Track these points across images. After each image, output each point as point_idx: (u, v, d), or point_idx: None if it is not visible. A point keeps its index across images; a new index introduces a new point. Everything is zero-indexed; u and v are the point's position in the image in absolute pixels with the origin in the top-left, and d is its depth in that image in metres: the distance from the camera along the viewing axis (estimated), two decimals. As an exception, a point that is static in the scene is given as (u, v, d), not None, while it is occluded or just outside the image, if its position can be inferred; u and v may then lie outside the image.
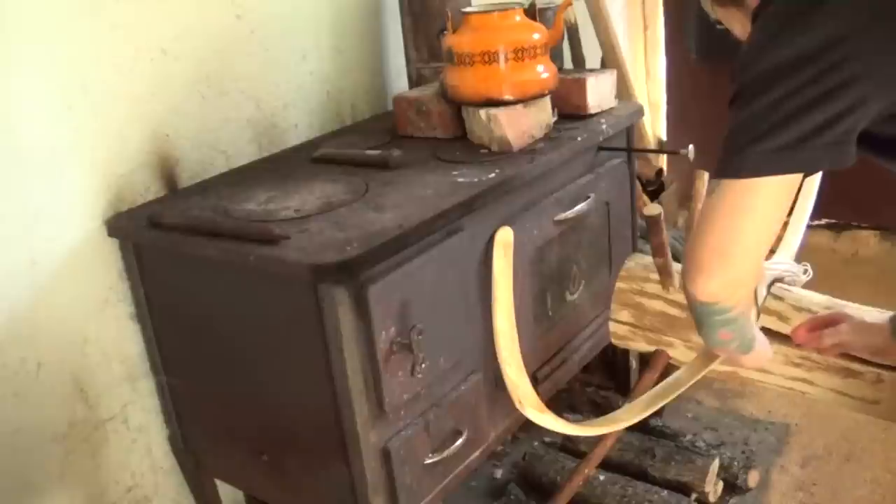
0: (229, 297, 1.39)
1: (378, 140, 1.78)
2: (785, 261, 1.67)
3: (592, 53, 2.46)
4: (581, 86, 1.78)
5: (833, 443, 2.13)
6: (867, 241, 3.14)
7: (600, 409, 2.25)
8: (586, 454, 1.85)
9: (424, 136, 1.76)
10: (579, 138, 1.69)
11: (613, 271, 1.83)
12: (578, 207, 1.69)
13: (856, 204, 2.92)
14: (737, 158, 0.94)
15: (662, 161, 2.71)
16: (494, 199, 1.47)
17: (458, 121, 1.72)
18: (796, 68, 0.90)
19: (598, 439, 1.78)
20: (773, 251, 1.71)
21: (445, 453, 1.42)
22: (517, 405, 1.33)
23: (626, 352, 2.17)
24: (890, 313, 1.27)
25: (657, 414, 1.92)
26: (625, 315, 1.70)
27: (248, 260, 1.26)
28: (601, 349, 1.93)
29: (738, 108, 0.96)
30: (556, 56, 1.84)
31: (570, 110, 1.79)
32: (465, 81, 1.62)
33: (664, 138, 3.21)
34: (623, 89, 2.34)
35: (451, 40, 1.64)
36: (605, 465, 1.94)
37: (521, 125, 1.63)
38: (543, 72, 1.64)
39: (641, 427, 2.04)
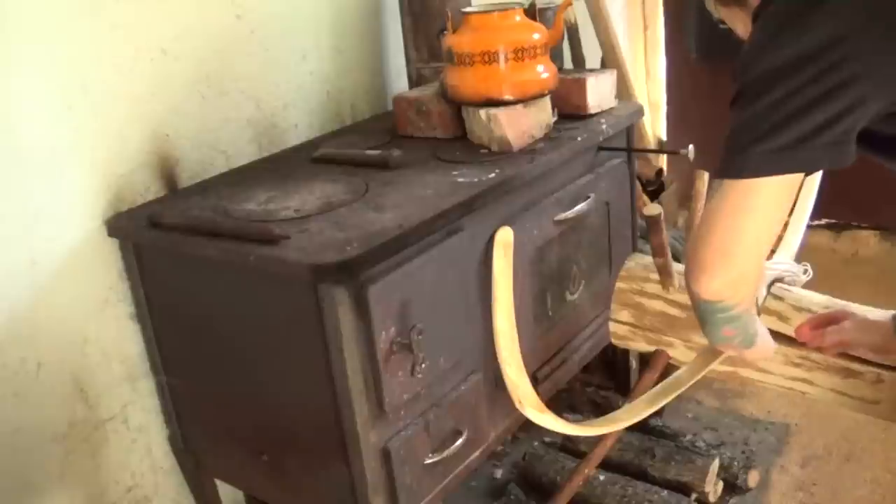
0: (229, 297, 1.39)
1: (378, 140, 1.78)
2: (785, 261, 1.67)
3: (592, 53, 2.46)
4: (581, 86, 1.78)
5: (833, 443, 2.13)
6: (867, 241, 3.14)
7: (600, 409, 2.25)
8: (586, 454, 1.85)
9: (424, 136, 1.76)
10: (579, 138, 1.69)
11: (613, 271, 1.83)
12: (578, 207, 1.69)
13: (856, 204, 2.92)
14: (738, 158, 0.95)
15: (662, 161, 2.71)
16: (494, 199, 1.47)
17: (458, 121, 1.72)
18: (796, 68, 0.91)
19: (598, 439, 1.78)
20: (773, 251, 1.71)
21: (445, 453, 1.42)
22: (517, 405, 1.33)
23: (626, 352, 2.17)
24: (892, 311, 1.27)
25: (657, 414, 1.92)
26: (625, 315, 1.70)
27: (248, 260, 1.26)
28: (601, 349, 1.93)
29: (739, 108, 0.96)
30: (556, 56, 1.84)
31: (570, 110, 1.79)
32: (465, 81, 1.62)
33: (664, 138, 3.21)
34: (623, 89, 2.34)
35: (451, 40, 1.64)
36: (605, 465, 1.93)
37: (521, 125, 1.63)
38: (543, 72, 1.64)
39: (641, 427, 2.04)
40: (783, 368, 1.49)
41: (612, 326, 1.73)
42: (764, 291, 1.51)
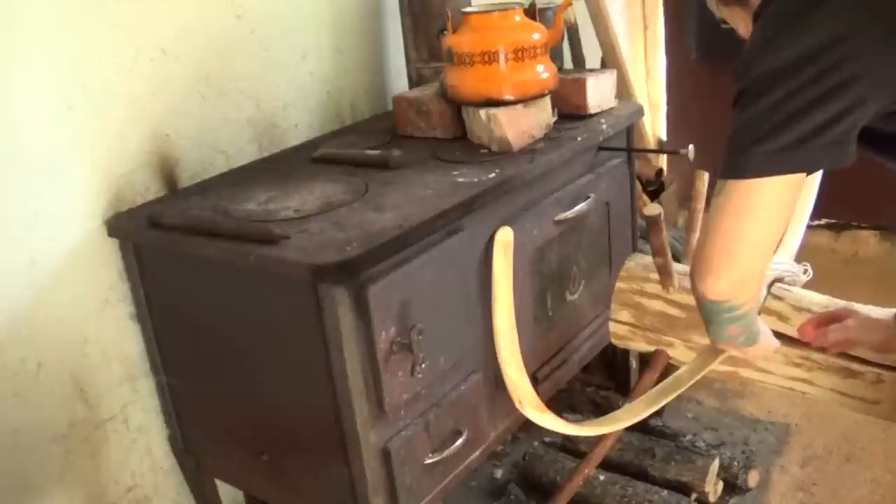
0: (229, 297, 1.39)
1: (378, 140, 1.78)
2: (785, 261, 1.67)
3: (592, 53, 2.46)
4: (581, 86, 1.78)
5: (833, 443, 2.13)
6: (867, 241, 3.14)
7: (600, 409, 2.25)
8: (586, 454, 1.85)
9: (424, 136, 1.76)
10: (579, 138, 1.69)
11: (613, 271, 1.83)
12: (578, 207, 1.69)
13: (856, 204, 2.92)
14: (741, 159, 0.95)
15: (662, 161, 2.71)
16: (494, 199, 1.47)
17: (458, 121, 1.72)
18: (796, 68, 0.91)
19: (598, 439, 1.78)
20: (772, 251, 1.71)
21: (445, 453, 1.42)
22: (517, 405, 1.33)
23: (626, 352, 2.17)
24: (895, 310, 1.27)
25: (657, 414, 1.92)
26: (625, 315, 1.70)
27: (248, 260, 1.26)
28: (601, 349, 1.93)
29: (740, 108, 0.97)
30: (556, 56, 1.84)
31: (570, 110, 1.79)
32: (465, 81, 1.62)
33: (664, 138, 3.21)
34: (623, 89, 2.34)
35: (451, 40, 1.64)
36: (605, 465, 1.93)
37: (521, 125, 1.63)
38: (543, 72, 1.64)
39: (641, 427, 2.04)
40: (783, 368, 1.49)
41: (612, 326, 1.73)
42: (764, 291, 1.51)
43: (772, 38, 0.95)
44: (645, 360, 1.88)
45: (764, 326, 1.22)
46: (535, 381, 1.64)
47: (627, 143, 1.93)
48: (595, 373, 2.37)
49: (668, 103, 3.24)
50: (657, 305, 1.65)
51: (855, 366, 1.41)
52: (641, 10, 3.16)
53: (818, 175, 1.58)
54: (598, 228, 1.82)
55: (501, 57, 1.58)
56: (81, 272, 1.46)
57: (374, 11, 2.06)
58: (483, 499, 2.03)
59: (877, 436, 2.12)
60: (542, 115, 1.69)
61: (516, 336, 1.36)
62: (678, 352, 1.65)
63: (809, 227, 1.89)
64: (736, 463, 2.00)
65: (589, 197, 1.72)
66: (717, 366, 1.33)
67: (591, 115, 1.81)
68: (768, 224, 0.99)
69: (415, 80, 2.02)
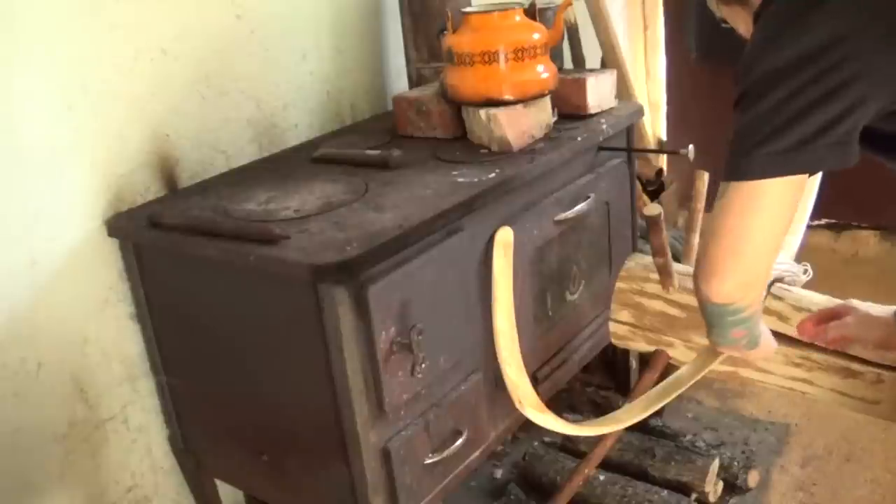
0: (229, 297, 1.39)
1: (378, 140, 1.78)
2: (785, 261, 1.68)
3: (592, 53, 2.46)
4: (581, 86, 1.78)
5: (833, 443, 2.13)
6: (867, 241, 3.14)
7: (600, 409, 2.24)
8: (586, 454, 1.85)
9: (424, 136, 1.76)
10: (579, 138, 1.69)
11: (613, 271, 1.83)
12: (578, 207, 1.69)
13: (856, 204, 2.92)
14: (743, 161, 0.95)
15: (662, 161, 2.71)
16: (494, 199, 1.47)
17: (458, 121, 1.72)
18: (797, 69, 0.91)
19: (598, 439, 1.78)
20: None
21: (445, 453, 1.42)
22: (517, 405, 1.33)
23: (626, 352, 2.17)
24: (895, 307, 1.27)
25: (657, 414, 1.91)
26: (625, 315, 1.70)
27: (248, 260, 1.26)
28: (601, 349, 1.93)
29: (742, 110, 0.97)
30: (556, 56, 1.84)
31: (570, 110, 1.79)
32: (465, 81, 1.62)
33: (664, 138, 3.21)
34: (623, 89, 2.34)
35: (451, 40, 1.64)
36: (605, 465, 1.93)
37: (521, 125, 1.63)
38: (543, 72, 1.64)
39: (641, 427, 2.03)
40: (783, 368, 1.49)
41: (612, 326, 1.73)
42: (764, 292, 1.51)
43: (772, 38, 0.94)
44: (645, 360, 1.88)
45: (765, 328, 1.22)
46: (535, 381, 1.64)
47: (627, 143, 1.93)
48: (595, 373, 2.37)
49: (668, 103, 3.24)
50: (657, 305, 1.65)
51: (855, 366, 1.41)
52: (641, 10, 3.15)
53: (818, 175, 1.58)
54: (598, 228, 1.82)
55: (501, 57, 1.58)
56: (81, 272, 1.46)
57: (374, 11, 2.06)
58: (483, 499, 2.03)
59: (877, 436, 2.12)
60: (542, 115, 1.69)
61: (516, 336, 1.36)
62: (678, 352, 1.65)
63: (809, 227, 1.89)
64: (736, 463, 2.00)
65: (589, 197, 1.72)
66: (716, 366, 1.33)
67: (591, 115, 1.80)
68: (772, 224, 0.99)
69: (415, 80, 2.02)
